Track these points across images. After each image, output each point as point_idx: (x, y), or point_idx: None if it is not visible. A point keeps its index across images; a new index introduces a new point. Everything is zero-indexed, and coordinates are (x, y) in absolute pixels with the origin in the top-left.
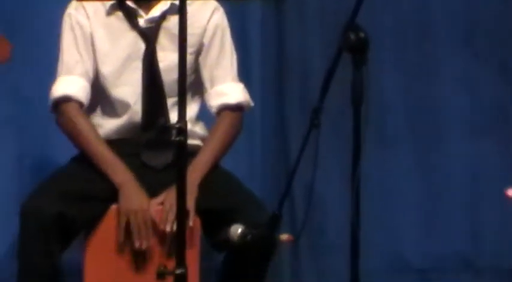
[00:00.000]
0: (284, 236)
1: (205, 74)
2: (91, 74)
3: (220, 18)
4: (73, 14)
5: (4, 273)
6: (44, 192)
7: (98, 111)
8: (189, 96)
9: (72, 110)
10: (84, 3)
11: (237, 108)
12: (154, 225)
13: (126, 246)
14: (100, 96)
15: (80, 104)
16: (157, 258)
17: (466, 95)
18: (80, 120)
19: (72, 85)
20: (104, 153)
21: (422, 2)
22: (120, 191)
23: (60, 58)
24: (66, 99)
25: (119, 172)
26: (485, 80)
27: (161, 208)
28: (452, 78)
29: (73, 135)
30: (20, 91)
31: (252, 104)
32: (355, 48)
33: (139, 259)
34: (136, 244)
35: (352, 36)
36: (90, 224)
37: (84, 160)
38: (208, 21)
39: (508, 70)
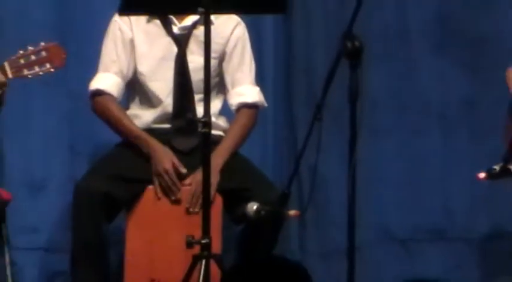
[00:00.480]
0: (292, 212)
1: (227, 77)
2: (126, 72)
3: (241, 31)
4: (117, 21)
5: (61, 242)
6: (93, 175)
7: (137, 103)
8: (213, 94)
9: (103, 101)
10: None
11: (253, 106)
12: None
13: (160, 219)
14: (138, 91)
15: (112, 97)
16: (186, 231)
17: (441, 92)
18: (111, 107)
19: (106, 81)
20: (133, 129)
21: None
22: (151, 156)
23: (101, 57)
24: (99, 93)
25: (148, 141)
26: (456, 79)
27: (189, 188)
28: (429, 79)
29: (107, 118)
30: (72, 89)
31: (265, 104)
32: (351, 54)
33: (171, 230)
34: (170, 196)
35: (349, 45)
36: (131, 201)
37: (125, 146)
38: (232, 33)
39: (476, 70)
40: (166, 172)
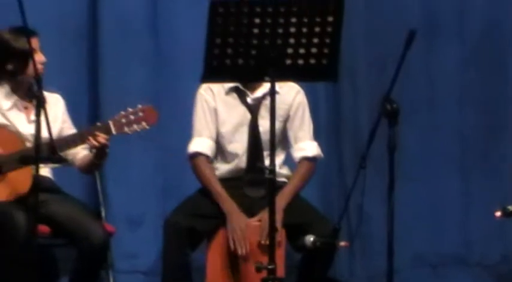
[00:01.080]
0: (342, 243)
1: (291, 135)
2: (214, 135)
3: (301, 97)
4: (203, 94)
5: (156, 267)
6: (180, 212)
7: (217, 158)
8: (278, 149)
9: (200, 163)
10: (210, 85)
11: (313, 159)
12: (252, 236)
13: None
14: (219, 149)
15: (207, 156)
16: (255, 258)
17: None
18: (205, 170)
19: (202, 144)
20: (218, 190)
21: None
22: (227, 217)
23: (194, 124)
24: (196, 155)
25: (227, 204)
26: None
27: (259, 224)
28: (451, 135)
29: (200, 178)
30: (164, 142)
31: (322, 156)
32: (390, 115)
33: (246, 257)
34: (238, 251)
35: (388, 107)
36: (210, 233)
37: (206, 192)
38: (294, 99)
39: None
40: (240, 232)
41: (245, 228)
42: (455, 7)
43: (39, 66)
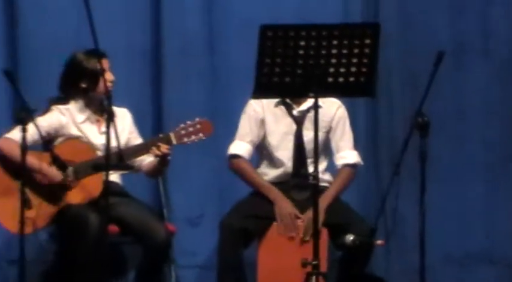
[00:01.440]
0: (379, 241)
1: (333, 144)
2: (255, 141)
3: (342, 111)
4: (252, 104)
5: (212, 263)
6: (234, 214)
7: (264, 164)
8: (321, 157)
9: (239, 162)
10: (262, 100)
11: (353, 166)
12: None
13: (282, 246)
14: (266, 156)
15: (245, 159)
16: (301, 255)
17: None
18: (245, 167)
19: (241, 148)
20: (262, 182)
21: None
22: (275, 204)
23: (238, 129)
24: (236, 156)
25: (273, 192)
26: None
27: (303, 224)
28: (476, 144)
29: (242, 175)
30: (219, 150)
31: (361, 163)
32: (421, 127)
33: (291, 253)
34: (287, 234)
35: (420, 120)
36: (261, 233)
37: (256, 194)
38: (335, 113)
39: None
40: (287, 217)
41: (292, 212)
42: (482, 28)
43: (109, 84)
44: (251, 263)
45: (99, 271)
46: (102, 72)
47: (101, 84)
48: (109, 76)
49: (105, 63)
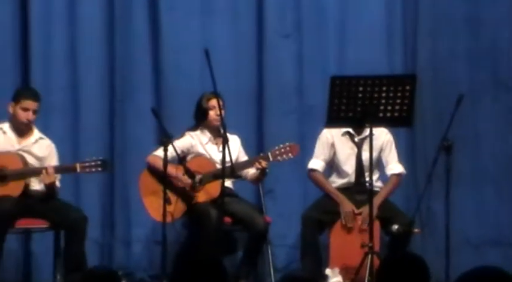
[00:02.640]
0: (416, 230)
1: (384, 160)
2: (327, 159)
3: (389, 137)
4: (325, 132)
5: (298, 244)
6: (312, 210)
7: (334, 175)
8: (375, 170)
9: (316, 174)
10: (332, 129)
11: (399, 175)
12: (357, 224)
13: (346, 233)
14: (335, 169)
15: (320, 172)
16: (361, 239)
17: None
18: (320, 178)
19: (316, 163)
20: (331, 189)
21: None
22: (340, 204)
23: (316, 149)
24: (313, 170)
25: (339, 196)
26: None
27: (361, 217)
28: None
29: (317, 183)
30: (306, 165)
31: (405, 173)
32: (446, 148)
33: (354, 238)
34: (348, 224)
35: (445, 143)
36: (331, 223)
37: (327, 197)
38: (384, 138)
39: None
40: (348, 213)
41: (352, 210)
42: (494, 76)
43: (215, 118)
44: (324, 246)
45: (217, 250)
46: (208, 109)
47: (210, 118)
48: (215, 112)
49: (214, 102)
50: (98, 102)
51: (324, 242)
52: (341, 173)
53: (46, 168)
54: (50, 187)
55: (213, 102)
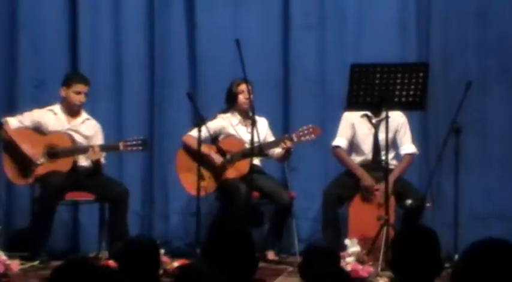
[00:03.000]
0: (428, 204)
1: (398, 141)
2: (349, 137)
3: (404, 119)
4: (346, 114)
5: (319, 217)
6: (332, 186)
7: (354, 153)
8: (390, 150)
9: (339, 151)
10: (352, 112)
11: (411, 154)
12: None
13: (365, 206)
14: (355, 148)
15: (343, 149)
16: (377, 212)
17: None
18: (343, 155)
19: (340, 141)
20: (352, 164)
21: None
22: (360, 178)
23: (339, 129)
24: (337, 147)
25: (359, 171)
26: None
27: (379, 192)
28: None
29: (340, 159)
30: (327, 145)
31: (417, 152)
32: (456, 130)
33: (370, 211)
34: (368, 199)
35: (454, 125)
36: (350, 198)
37: (347, 173)
38: (399, 121)
39: None
40: (368, 187)
41: (372, 185)
42: (501, 65)
43: (244, 101)
44: (344, 218)
45: (246, 222)
46: (237, 93)
47: (239, 101)
48: (244, 96)
49: (243, 87)
50: (139, 88)
51: (343, 215)
52: (359, 152)
53: (93, 147)
54: (96, 163)
55: (243, 87)
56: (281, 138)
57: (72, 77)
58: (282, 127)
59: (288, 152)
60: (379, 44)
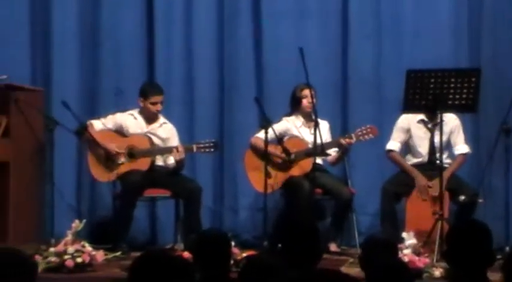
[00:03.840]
0: (480, 200)
1: (452, 142)
2: (402, 140)
3: (458, 121)
4: (402, 118)
5: (377, 212)
6: (389, 183)
7: (409, 155)
8: (445, 151)
9: (393, 154)
10: (408, 117)
11: (465, 154)
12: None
13: (420, 203)
14: (411, 150)
15: (397, 152)
16: (433, 208)
17: None
18: (398, 157)
19: (393, 145)
20: (407, 166)
21: None
22: (415, 179)
23: (393, 132)
24: (390, 151)
25: (414, 172)
26: None
27: (434, 188)
28: None
29: (395, 161)
30: (382, 146)
31: (470, 152)
32: (505, 131)
33: (426, 207)
34: (423, 197)
35: (504, 126)
36: (407, 194)
37: (402, 173)
38: (453, 123)
39: None
40: (423, 187)
41: (426, 184)
42: None
43: (307, 105)
44: (401, 213)
45: (310, 216)
46: (301, 98)
47: (303, 105)
48: (307, 100)
49: (307, 91)
50: (210, 94)
51: (400, 210)
52: (416, 154)
53: (177, 147)
54: (180, 162)
55: (306, 91)
56: (340, 137)
57: (149, 89)
58: (341, 129)
59: (345, 151)
60: (433, 50)
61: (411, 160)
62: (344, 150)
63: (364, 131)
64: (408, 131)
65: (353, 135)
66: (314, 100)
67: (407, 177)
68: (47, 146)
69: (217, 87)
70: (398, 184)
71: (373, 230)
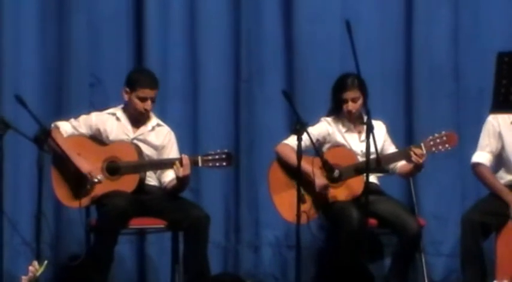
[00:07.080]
0: None
1: None
2: (494, 151)
3: None
4: (491, 120)
5: (456, 253)
6: (474, 211)
7: (502, 170)
8: None
9: (481, 169)
10: (499, 116)
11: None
12: None
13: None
14: (504, 164)
15: (487, 167)
16: None
17: None
18: (487, 174)
19: (482, 156)
20: (500, 187)
21: None
22: (510, 205)
23: (480, 141)
24: (478, 164)
25: (509, 196)
26: None
27: None
28: None
29: (484, 181)
30: (465, 158)
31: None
32: None
33: None
34: None
35: None
36: (499, 228)
37: (494, 196)
38: None
39: None
40: None
41: None
42: None
43: (350, 110)
44: (490, 253)
45: (359, 256)
46: (344, 100)
47: (345, 110)
48: (350, 105)
49: (349, 95)
50: (220, 84)
51: (489, 249)
52: (510, 168)
53: (181, 159)
54: (184, 181)
55: (348, 95)
56: (405, 149)
57: (137, 78)
58: (405, 133)
59: (418, 166)
60: None
61: (504, 178)
62: (416, 165)
63: (439, 140)
64: (500, 135)
65: (422, 145)
66: (361, 102)
67: (500, 202)
68: None
69: (230, 75)
70: (487, 212)
71: (451, 279)
